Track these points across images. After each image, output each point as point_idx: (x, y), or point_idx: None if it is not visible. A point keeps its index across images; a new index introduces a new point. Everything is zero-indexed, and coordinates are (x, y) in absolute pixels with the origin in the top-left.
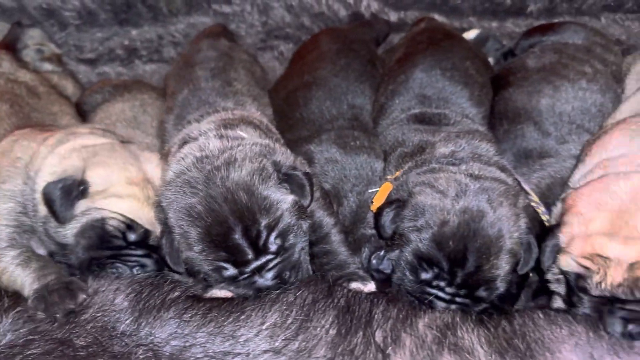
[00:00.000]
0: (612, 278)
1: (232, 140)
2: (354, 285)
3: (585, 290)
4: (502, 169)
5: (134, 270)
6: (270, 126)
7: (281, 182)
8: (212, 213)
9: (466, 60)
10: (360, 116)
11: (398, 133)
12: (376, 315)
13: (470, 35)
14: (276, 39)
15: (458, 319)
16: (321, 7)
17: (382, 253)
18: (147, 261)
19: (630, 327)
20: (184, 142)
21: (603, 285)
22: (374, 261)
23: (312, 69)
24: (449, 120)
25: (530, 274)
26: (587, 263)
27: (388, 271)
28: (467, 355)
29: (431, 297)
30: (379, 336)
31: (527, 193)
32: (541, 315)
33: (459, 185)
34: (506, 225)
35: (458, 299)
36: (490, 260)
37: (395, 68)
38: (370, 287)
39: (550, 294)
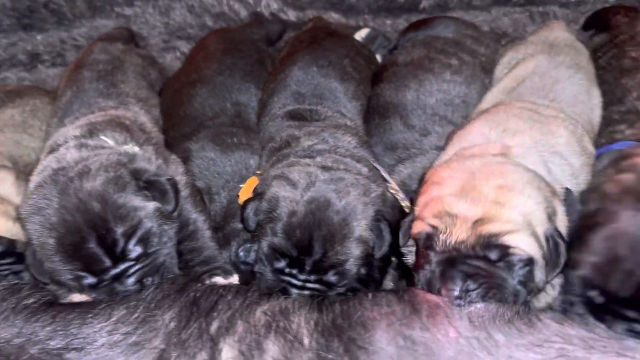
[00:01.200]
0: (458, 234)
1: (90, 150)
2: (216, 279)
3: (431, 248)
4: (359, 159)
5: (8, 279)
6: (146, 126)
7: (141, 190)
8: (65, 224)
9: (345, 58)
10: (243, 114)
11: (272, 129)
12: (220, 306)
13: (362, 34)
14: (178, 40)
15: (296, 305)
16: (222, 7)
17: (248, 245)
18: (19, 268)
19: (469, 282)
20: (50, 151)
21: (448, 241)
22: (240, 254)
23: (198, 68)
24: (319, 116)
25: (393, 258)
26: (436, 222)
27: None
28: (290, 337)
29: (284, 285)
30: (214, 326)
31: (386, 181)
32: (369, 296)
33: (309, 176)
34: (353, 213)
35: (310, 285)
36: (335, 246)
37: (277, 67)
38: (233, 279)
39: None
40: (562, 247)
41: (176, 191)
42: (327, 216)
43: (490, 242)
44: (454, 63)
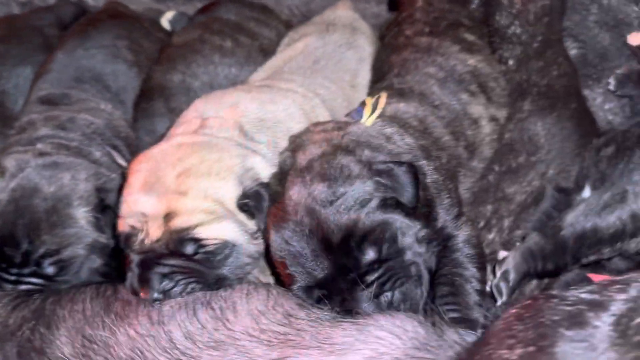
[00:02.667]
0: (151, 233)
1: None
2: None
3: (131, 248)
4: (93, 144)
5: None
6: None
7: None
8: None
9: (122, 40)
10: (7, 102)
11: (23, 116)
12: None
13: (168, 16)
14: None
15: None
16: None
17: None
18: None
19: (165, 281)
20: None
21: (145, 241)
22: None
23: None
24: (69, 100)
25: None
26: (132, 221)
27: None
28: None
29: None
30: None
31: (121, 166)
32: (71, 293)
33: (20, 164)
34: (66, 199)
35: (25, 279)
36: (41, 236)
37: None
38: None
39: None
40: (263, 192)
41: None
42: (31, 204)
43: (182, 237)
44: (227, 45)
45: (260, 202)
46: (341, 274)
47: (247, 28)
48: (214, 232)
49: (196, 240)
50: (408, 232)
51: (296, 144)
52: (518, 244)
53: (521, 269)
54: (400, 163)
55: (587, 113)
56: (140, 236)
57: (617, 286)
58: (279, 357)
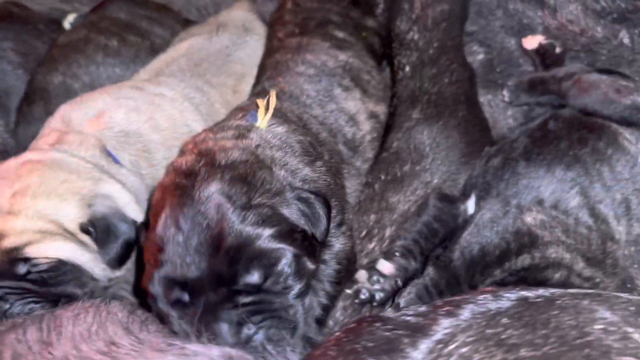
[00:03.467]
0: None
1: None
2: None
3: None
4: None
5: None
6: None
7: None
8: None
9: (6, 41)
10: None
11: None
12: None
13: (70, 19)
14: None
15: None
16: None
17: None
18: None
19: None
20: None
21: None
22: None
23: None
24: None
25: None
26: None
27: None
28: None
29: None
30: None
31: None
32: None
33: None
34: None
35: None
36: None
37: None
38: None
39: None
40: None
41: None
42: None
43: (12, 258)
44: (112, 44)
45: (108, 233)
46: (214, 282)
47: (137, 27)
48: (46, 251)
49: (26, 260)
50: (302, 274)
51: (201, 148)
52: (397, 254)
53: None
54: (316, 194)
55: (477, 120)
56: None
57: (448, 308)
58: None
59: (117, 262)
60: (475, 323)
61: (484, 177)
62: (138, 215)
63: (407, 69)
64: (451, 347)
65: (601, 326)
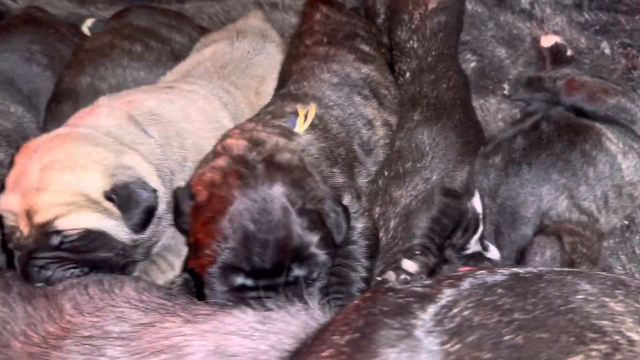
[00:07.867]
0: (23, 230)
1: None
2: None
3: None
4: None
5: None
6: None
7: None
8: None
9: (35, 44)
10: None
11: None
12: None
13: (88, 24)
14: None
15: None
16: None
17: None
18: None
19: (43, 272)
20: None
21: (20, 238)
22: None
23: None
24: None
25: None
26: (9, 220)
27: None
28: None
29: None
30: None
31: None
32: None
33: None
34: None
35: None
36: None
37: None
38: None
39: None
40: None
41: None
42: None
43: (44, 232)
44: (136, 49)
45: (130, 200)
46: (272, 273)
47: (157, 33)
48: (73, 222)
49: (58, 232)
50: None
51: (252, 136)
52: (417, 252)
53: None
54: (344, 208)
55: (472, 123)
56: (17, 234)
57: (450, 281)
58: (149, 321)
59: (140, 226)
60: (474, 292)
61: (487, 176)
62: (158, 186)
63: (407, 75)
64: (455, 310)
65: (582, 296)
